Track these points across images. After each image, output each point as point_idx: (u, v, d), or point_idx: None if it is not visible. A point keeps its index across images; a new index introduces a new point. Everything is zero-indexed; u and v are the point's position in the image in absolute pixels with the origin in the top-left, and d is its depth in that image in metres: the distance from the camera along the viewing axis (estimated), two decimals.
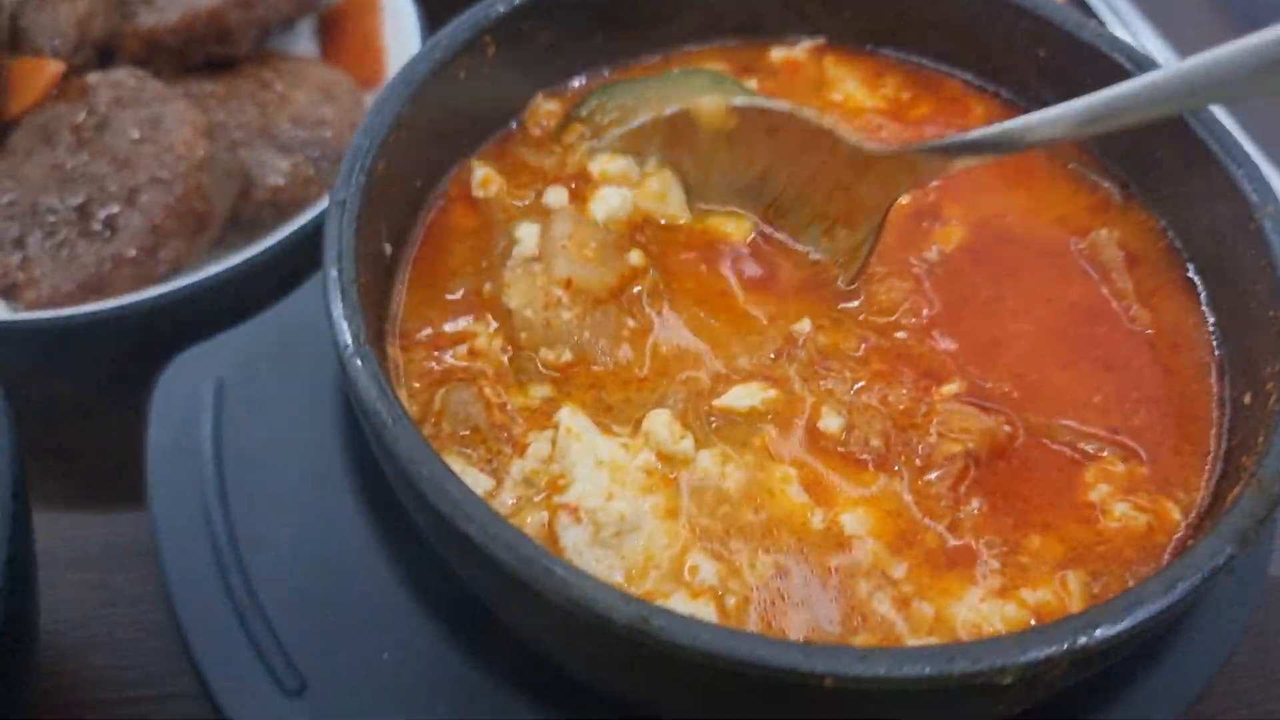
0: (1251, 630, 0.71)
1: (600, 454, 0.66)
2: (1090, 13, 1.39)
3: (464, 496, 0.56)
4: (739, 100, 0.79)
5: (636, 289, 0.75)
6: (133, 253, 0.90)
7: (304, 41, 1.19)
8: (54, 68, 0.99)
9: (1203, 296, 0.76)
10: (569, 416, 0.68)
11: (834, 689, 0.50)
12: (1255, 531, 0.56)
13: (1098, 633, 0.52)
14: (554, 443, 0.67)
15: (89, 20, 1.04)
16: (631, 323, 0.73)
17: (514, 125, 0.85)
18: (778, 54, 0.90)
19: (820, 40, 0.90)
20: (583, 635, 0.55)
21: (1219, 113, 0.75)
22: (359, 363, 0.61)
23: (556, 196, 0.80)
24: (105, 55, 1.06)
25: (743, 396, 0.69)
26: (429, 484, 0.56)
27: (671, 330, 0.73)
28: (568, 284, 0.73)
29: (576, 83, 0.88)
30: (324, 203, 0.96)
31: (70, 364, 0.90)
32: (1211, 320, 0.75)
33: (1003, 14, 0.84)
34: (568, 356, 0.71)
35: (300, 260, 0.91)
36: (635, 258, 0.75)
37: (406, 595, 0.71)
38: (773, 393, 0.69)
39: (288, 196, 0.98)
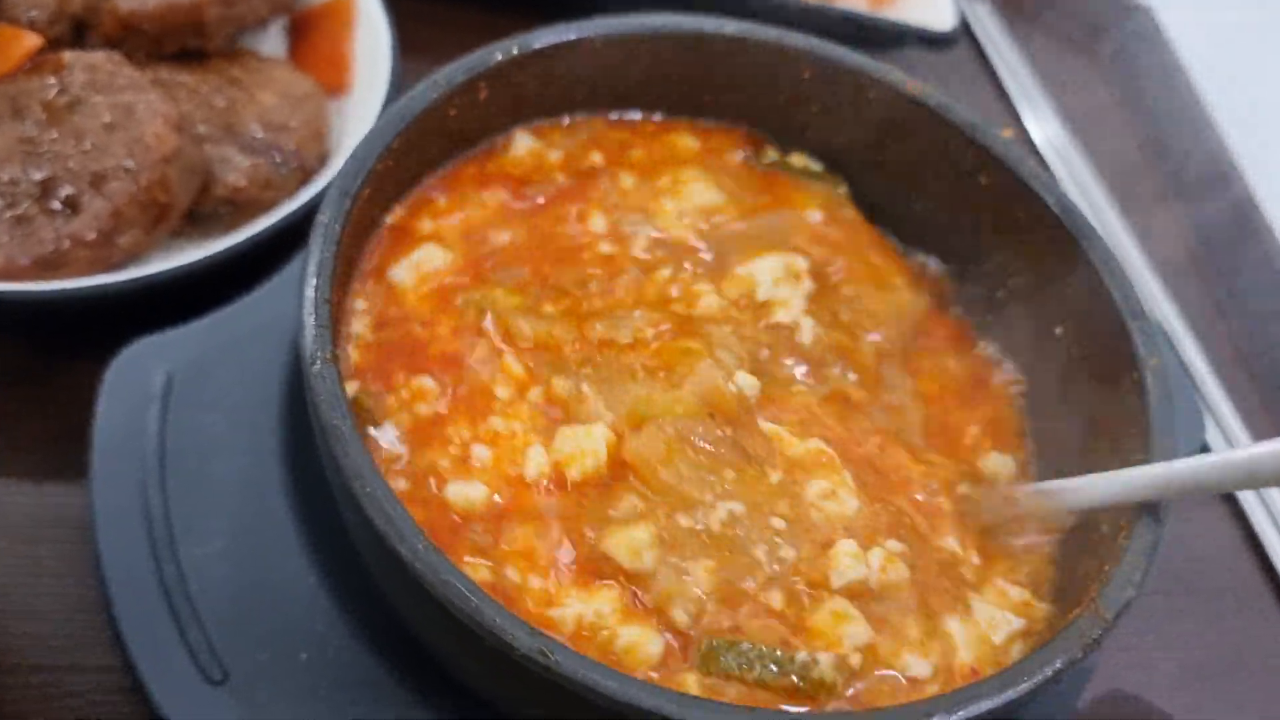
0: None
1: None
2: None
3: (401, 517, 0.62)
4: None
5: None
6: (91, 235, 0.93)
7: (272, 41, 1.22)
8: (31, 40, 1.00)
9: None
10: None
11: None
12: (1086, 651, 0.65)
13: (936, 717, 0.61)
14: None
15: None
16: None
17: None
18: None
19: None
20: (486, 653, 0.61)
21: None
22: (322, 378, 0.67)
23: None
24: (79, 31, 1.08)
25: None
26: (369, 499, 0.63)
27: None
28: None
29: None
30: (284, 208, 1.01)
31: (19, 335, 0.93)
32: None
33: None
34: None
35: (256, 262, 0.96)
36: None
37: (325, 599, 0.77)
38: None
39: (246, 196, 1.02)
